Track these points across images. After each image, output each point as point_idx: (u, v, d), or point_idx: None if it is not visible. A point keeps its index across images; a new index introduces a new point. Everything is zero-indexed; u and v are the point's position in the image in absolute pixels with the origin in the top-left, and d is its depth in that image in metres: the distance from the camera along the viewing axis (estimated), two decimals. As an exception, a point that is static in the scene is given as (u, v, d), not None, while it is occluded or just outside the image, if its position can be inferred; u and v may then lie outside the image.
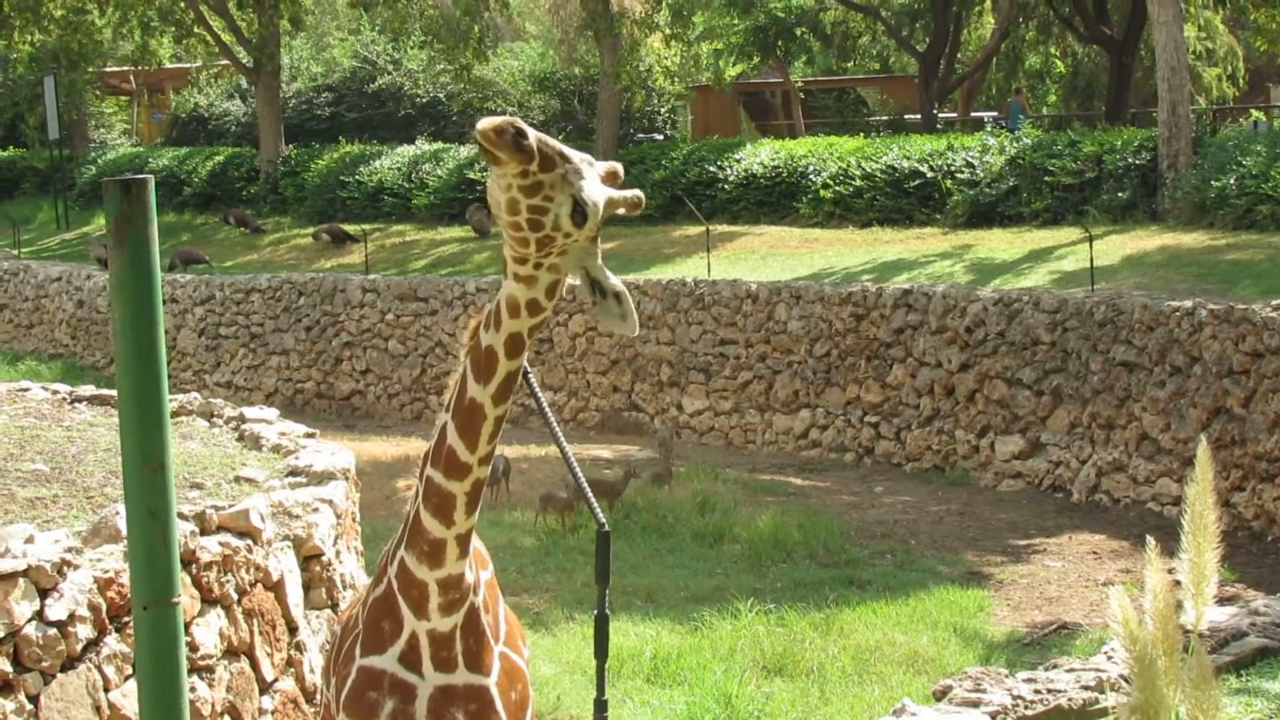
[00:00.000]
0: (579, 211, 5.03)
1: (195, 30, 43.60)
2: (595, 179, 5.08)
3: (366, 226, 36.35)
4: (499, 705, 5.75)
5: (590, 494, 5.58)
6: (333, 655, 6.25)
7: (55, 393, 13.97)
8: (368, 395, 31.26)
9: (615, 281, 5.32)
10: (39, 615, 7.30)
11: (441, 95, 45.83)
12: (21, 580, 7.25)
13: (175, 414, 12.71)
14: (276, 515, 9.22)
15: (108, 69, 53.73)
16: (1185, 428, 20.12)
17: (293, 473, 10.27)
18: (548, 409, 5.47)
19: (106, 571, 7.65)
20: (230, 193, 43.65)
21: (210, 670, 8.30)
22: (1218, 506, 4.78)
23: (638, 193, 5.25)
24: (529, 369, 5.46)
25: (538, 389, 5.77)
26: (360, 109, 46.45)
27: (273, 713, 8.87)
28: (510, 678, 5.83)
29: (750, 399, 26.82)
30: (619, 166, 5.29)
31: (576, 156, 5.07)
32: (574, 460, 5.47)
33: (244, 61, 42.58)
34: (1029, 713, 7.21)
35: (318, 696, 9.23)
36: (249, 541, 8.70)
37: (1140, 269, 24.69)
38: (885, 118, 50.33)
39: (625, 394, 28.38)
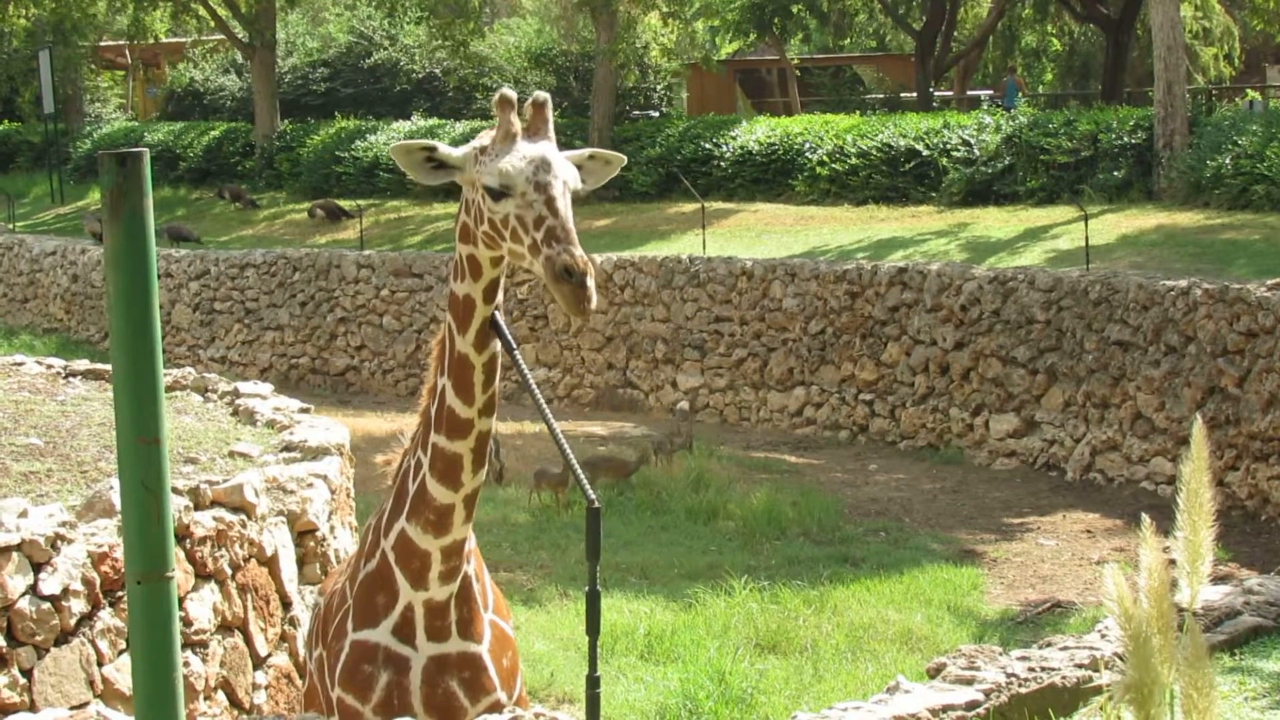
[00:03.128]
0: (490, 194, 5.29)
1: (191, 5, 43.48)
2: (512, 151, 5.31)
3: (362, 202, 36.28)
4: (492, 672, 5.80)
5: (579, 471, 5.59)
6: (318, 629, 6.28)
7: (50, 367, 13.95)
8: (362, 371, 31.24)
9: (578, 152, 5.61)
10: (33, 589, 7.30)
11: (438, 71, 45.74)
12: (15, 554, 7.24)
13: (170, 389, 12.70)
14: (271, 490, 9.21)
15: (103, 43, 53.59)
16: (1179, 407, 20.13)
17: (287, 448, 10.26)
18: (535, 387, 5.50)
19: (100, 546, 7.65)
20: (225, 168, 43.60)
21: (204, 645, 8.30)
22: (1212, 486, 4.78)
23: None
24: (516, 347, 5.52)
25: (525, 367, 5.79)
26: (356, 84, 46.35)
27: (266, 688, 8.87)
28: (501, 644, 5.89)
29: (745, 376, 26.82)
30: (540, 94, 5.48)
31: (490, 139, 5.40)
32: (562, 436, 5.49)
33: (240, 36, 42.50)
34: (1023, 690, 7.22)
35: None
36: (243, 516, 8.70)
37: (1135, 248, 24.69)
38: (881, 96, 50.17)
39: (620, 371, 28.37)
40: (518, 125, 5.34)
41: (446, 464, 5.56)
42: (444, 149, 5.52)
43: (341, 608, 5.96)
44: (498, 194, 5.24)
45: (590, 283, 4.97)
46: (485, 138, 5.45)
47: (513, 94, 5.41)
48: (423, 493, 5.61)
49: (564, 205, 5.15)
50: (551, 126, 5.41)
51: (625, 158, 5.90)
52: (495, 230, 5.29)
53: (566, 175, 5.27)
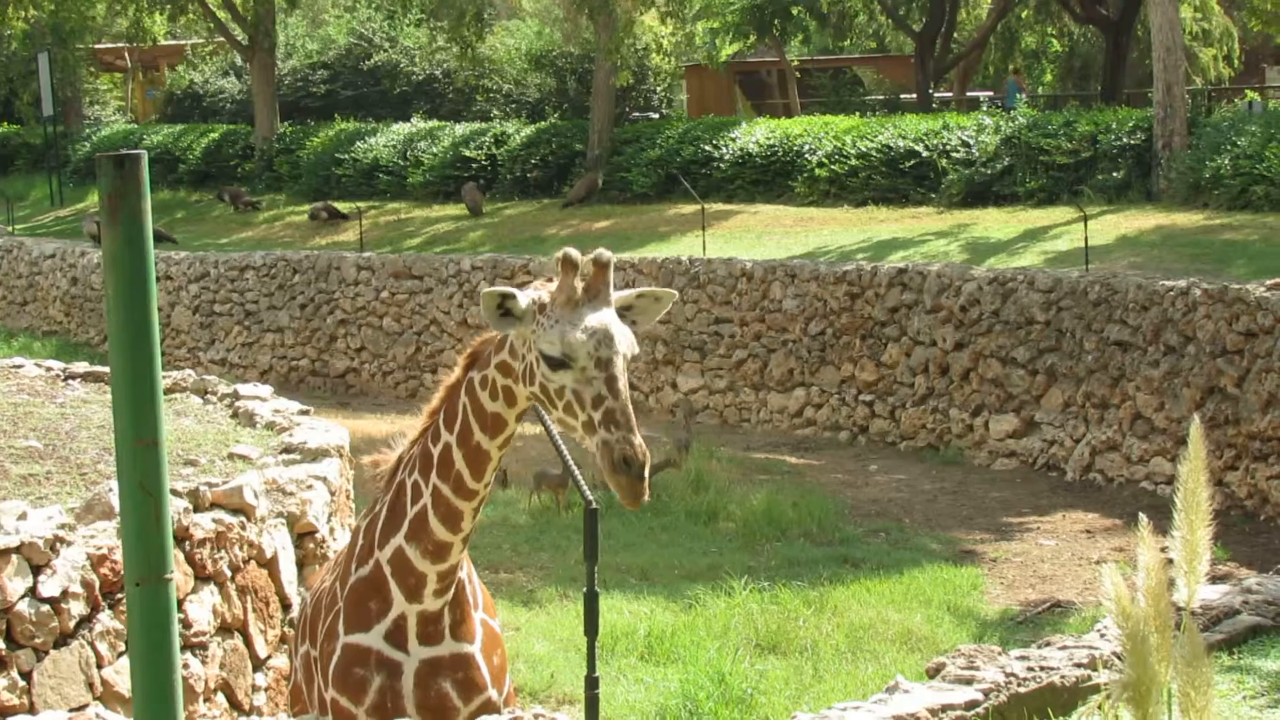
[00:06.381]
0: (548, 362, 5.22)
1: (190, 7, 43.47)
2: (573, 321, 5.19)
3: (361, 204, 36.23)
4: (484, 671, 5.85)
5: (577, 472, 5.63)
6: (304, 627, 6.32)
7: (49, 369, 13.96)
8: (362, 373, 31.23)
9: (627, 293, 5.52)
10: (32, 592, 7.31)
11: (438, 73, 45.73)
12: (14, 557, 7.25)
13: (169, 391, 12.71)
14: (270, 492, 9.22)
15: (102, 45, 53.57)
16: (1179, 407, 20.13)
17: (287, 450, 10.27)
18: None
19: (100, 548, 7.66)
20: (225, 170, 43.60)
21: (203, 647, 8.31)
22: (1211, 485, 4.79)
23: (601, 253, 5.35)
24: None
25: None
26: (356, 86, 46.33)
27: (266, 689, 8.88)
28: (492, 642, 5.96)
29: (745, 377, 26.81)
30: (603, 253, 5.36)
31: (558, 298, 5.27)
32: (559, 438, 5.53)
33: (239, 39, 42.47)
34: (1022, 690, 7.22)
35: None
36: (242, 518, 8.71)
37: (1135, 249, 24.68)
38: (881, 97, 50.14)
39: (620, 372, 28.32)
40: (580, 290, 5.23)
41: (449, 511, 5.64)
42: (519, 299, 5.33)
43: (332, 609, 5.98)
44: (556, 363, 5.16)
45: (647, 473, 4.97)
46: (543, 290, 5.33)
47: (576, 254, 5.29)
48: (424, 523, 5.66)
49: (623, 384, 5.08)
50: (611, 288, 5.29)
51: (676, 294, 5.76)
52: (546, 396, 5.25)
53: (626, 347, 5.19)
